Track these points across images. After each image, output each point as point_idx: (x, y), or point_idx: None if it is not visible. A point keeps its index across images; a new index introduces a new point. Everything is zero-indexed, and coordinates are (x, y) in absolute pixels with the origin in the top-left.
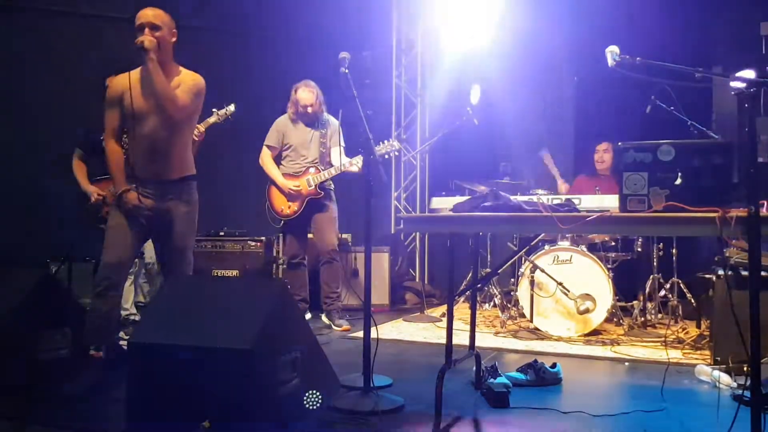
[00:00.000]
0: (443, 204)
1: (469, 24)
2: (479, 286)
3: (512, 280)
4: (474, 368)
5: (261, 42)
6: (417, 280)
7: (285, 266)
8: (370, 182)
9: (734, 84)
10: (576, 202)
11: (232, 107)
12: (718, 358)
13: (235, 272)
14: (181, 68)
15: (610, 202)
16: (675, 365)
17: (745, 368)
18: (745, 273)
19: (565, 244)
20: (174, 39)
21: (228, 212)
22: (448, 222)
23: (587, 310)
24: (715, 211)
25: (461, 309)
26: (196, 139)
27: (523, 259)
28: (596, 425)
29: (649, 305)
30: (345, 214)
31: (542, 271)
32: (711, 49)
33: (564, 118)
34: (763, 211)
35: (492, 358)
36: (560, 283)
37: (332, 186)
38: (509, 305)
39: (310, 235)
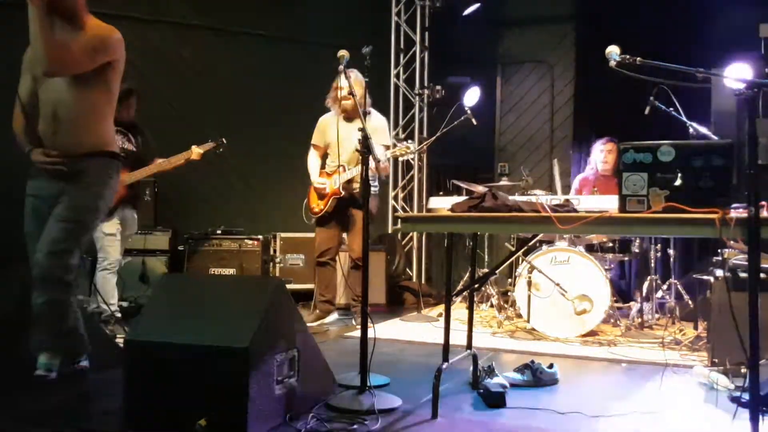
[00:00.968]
0: (441, 204)
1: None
2: (476, 286)
3: (510, 280)
4: (471, 368)
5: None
6: (414, 279)
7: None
8: (368, 183)
9: (734, 85)
10: (575, 202)
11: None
12: (716, 360)
13: (232, 270)
14: (95, 21)
15: (609, 202)
16: (672, 366)
17: (742, 370)
18: (743, 275)
19: (563, 245)
20: None
21: (225, 210)
22: (446, 222)
23: (584, 311)
24: (715, 213)
25: (458, 309)
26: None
27: (520, 259)
28: (593, 426)
29: (646, 306)
30: None
31: (540, 271)
32: (710, 51)
33: (564, 119)
34: (763, 213)
35: (489, 358)
36: (558, 284)
37: (375, 189)
38: (506, 305)
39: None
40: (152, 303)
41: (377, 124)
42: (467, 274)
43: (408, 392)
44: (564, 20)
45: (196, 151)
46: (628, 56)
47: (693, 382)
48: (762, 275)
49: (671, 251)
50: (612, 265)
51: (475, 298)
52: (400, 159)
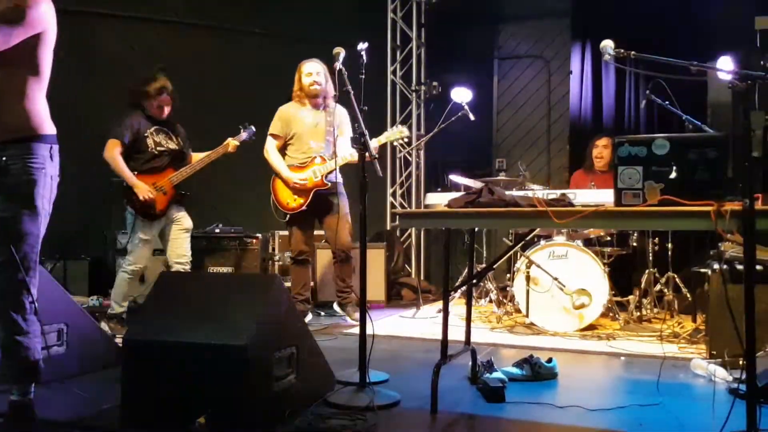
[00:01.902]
0: (438, 200)
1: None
2: (474, 281)
3: (508, 275)
4: (470, 363)
5: (251, 38)
6: (413, 275)
7: (290, 262)
8: (365, 178)
9: (729, 77)
10: (571, 196)
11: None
12: (714, 352)
13: (230, 269)
14: None
15: (605, 196)
16: (671, 359)
17: (740, 362)
18: (740, 267)
19: (561, 239)
20: None
21: (223, 209)
22: (443, 217)
23: (583, 305)
24: (710, 205)
25: (458, 305)
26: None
27: (518, 254)
28: (592, 419)
29: (644, 300)
30: None
31: (538, 266)
32: (707, 43)
33: (561, 114)
34: (758, 205)
35: (488, 353)
36: (556, 279)
37: (341, 179)
38: (505, 301)
39: (319, 232)
40: (151, 302)
41: (344, 116)
42: (466, 269)
43: (407, 388)
44: (560, 15)
45: (232, 144)
46: (622, 51)
47: (691, 374)
48: (758, 267)
49: (669, 244)
50: (610, 259)
51: (474, 294)
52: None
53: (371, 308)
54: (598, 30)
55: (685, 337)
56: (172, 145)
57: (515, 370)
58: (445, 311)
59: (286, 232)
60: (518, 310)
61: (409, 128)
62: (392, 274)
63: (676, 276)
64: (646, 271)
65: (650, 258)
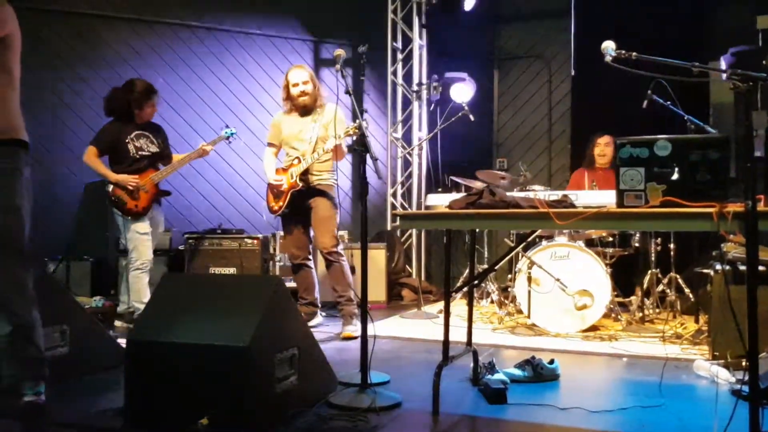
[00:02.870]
0: (439, 201)
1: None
2: (476, 282)
3: (509, 276)
4: (471, 365)
5: (253, 39)
6: (414, 276)
7: (290, 266)
8: (366, 180)
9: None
10: (573, 197)
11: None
12: (717, 353)
13: (232, 270)
14: None
15: (607, 197)
16: (673, 360)
17: (743, 363)
18: (742, 268)
19: (563, 240)
20: None
21: (225, 209)
22: (444, 219)
23: (585, 306)
24: (713, 206)
25: (459, 305)
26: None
27: (520, 255)
28: (594, 421)
29: (647, 301)
30: (340, 211)
31: (540, 267)
32: (709, 43)
33: (562, 113)
34: (761, 206)
35: (490, 354)
36: (558, 279)
37: (328, 180)
38: (507, 301)
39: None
40: (153, 303)
41: (333, 116)
42: (467, 270)
43: (409, 389)
44: (560, 14)
45: (205, 147)
46: (623, 52)
47: (694, 375)
48: (761, 268)
49: (671, 245)
50: (612, 260)
51: (476, 295)
52: (399, 157)
53: (371, 309)
54: (599, 29)
55: (687, 338)
56: (153, 148)
57: (517, 372)
58: (446, 312)
59: None
60: (520, 311)
61: (410, 129)
62: (393, 275)
63: (678, 277)
64: (649, 271)
65: (653, 258)
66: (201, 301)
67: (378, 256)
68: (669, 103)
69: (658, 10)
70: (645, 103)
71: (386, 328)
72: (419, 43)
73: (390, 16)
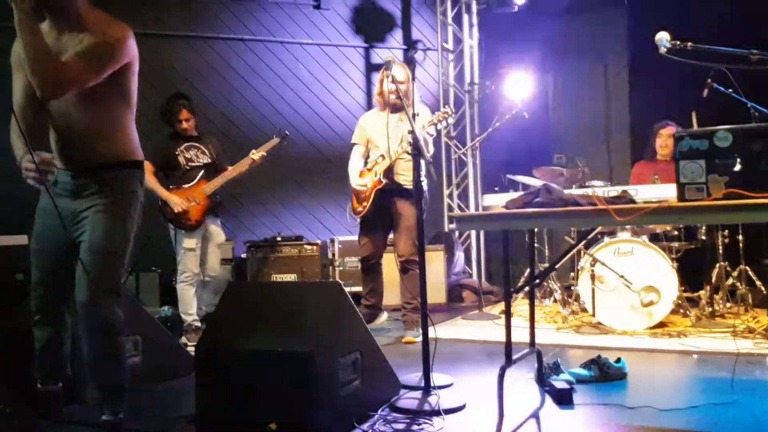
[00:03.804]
0: (496, 201)
1: None
2: (537, 281)
3: (572, 274)
4: (536, 365)
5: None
6: (474, 277)
7: (349, 270)
8: (420, 184)
9: None
10: (633, 192)
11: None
12: None
13: (293, 276)
14: (99, 17)
15: (668, 191)
16: (746, 356)
17: None
18: None
19: (626, 235)
20: None
21: (284, 217)
22: (500, 219)
23: (651, 303)
24: None
25: (521, 305)
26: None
27: (582, 252)
28: (665, 419)
29: (716, 295)
30: None
31: (603, 264)
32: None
33: (620, 106)
34: None
35: (554, 354)
36: (622, 276)
37: (408, 177)
38: (570, 300)
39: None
40: (220, 311)
41: (427, 117)
42: (528, 268)
43: (472, 392)
44: (613, 4)
45: (257, 155)
46: (678, 42)
47: (767, 371)
48: None
49: (740, 236)
50: (678, 254)
51: (538, 294)
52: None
53: (431, 312)
54: (654, 18)
55: (760, 332)
56: (205, 159)
57: (583, 371)
58: (508, 313)
59: (345, 238)
60: (584, 310)
61: (463, 129)
62: (453, 276)
63: (748, 269)
64: (717, 264)
65: (720, 251)
66: (264, 308)
67: (437, 257)
68: (730, 90)
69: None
70: (705, 91)
71: (448, 330)
72: (470, 42)
73: (440, 17)
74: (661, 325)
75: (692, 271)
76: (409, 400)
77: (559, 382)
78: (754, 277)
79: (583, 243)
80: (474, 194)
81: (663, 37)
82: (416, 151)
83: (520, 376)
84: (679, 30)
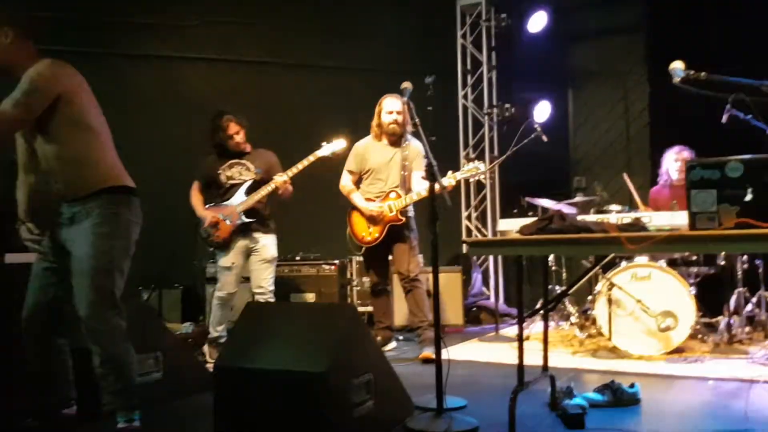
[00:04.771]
0: (511, 225)
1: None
2: (553, 305)
3: (589, 297)
4: (549, 389)
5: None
6: (491, 299)
7: (367, 290)
8: (435, 209)
9: None
10: (646, 220)
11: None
12: None
13: (311, 296)
14: (39, 62)
15: (682, 218)
16: (761, 382)
17: None
18: None
19: (644, 260)
20: (8, 39)
21: (302, 236)
22: (514, 245)
23: (669, 328)
24: None
25: (538, 327)
26: (280, 192)
27: (600, 276)
28: None
29: (735, 321)
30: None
31: (620, 288)
32: None
33: (639, 130)
34: None
35: (570, 378)
36: (639, 301)
37: (413, 213)
38: (587, 324)
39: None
40: (238, 330)
41: (418, 151)
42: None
43: (485, 414)
44: (632, 29)
45: (277, 179)
46: (692, 72)
47: None
48: None
49: (758, 262)
50: (697, 279)
51: (556, 317)
52: (471, 180)
53: (448, 333)
54: (672, 43)
55: None
56: (248, 176)
57: (596, 396)
58: (520, 337)
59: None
60: (601, 334)
61: (482, 151)
62: (470, 298)
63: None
64: (736, 290)
65: (739, 277)
66: (280, 328)
67: (454, 279)
68: (749, 116)
69: (732, 23)
70: (725, 117)
71: (463, 351)
72: (489, 65)
73: (459, 41)
74: (679, 350)
75: (711, 297)
76: (422, 421)
77: (572, 407)
78: None
79: (600, 267)
80: (491, 217)
81: (677, 67)
82: (432, 177)
83: (533, 400)
84: (698, 54)
